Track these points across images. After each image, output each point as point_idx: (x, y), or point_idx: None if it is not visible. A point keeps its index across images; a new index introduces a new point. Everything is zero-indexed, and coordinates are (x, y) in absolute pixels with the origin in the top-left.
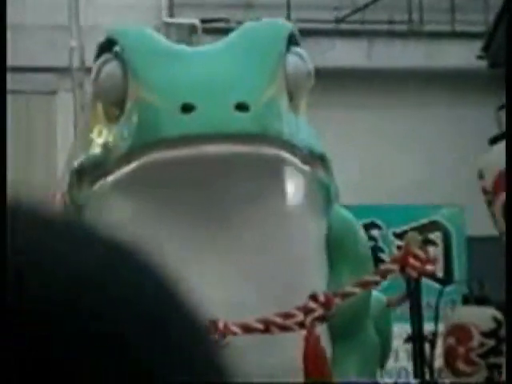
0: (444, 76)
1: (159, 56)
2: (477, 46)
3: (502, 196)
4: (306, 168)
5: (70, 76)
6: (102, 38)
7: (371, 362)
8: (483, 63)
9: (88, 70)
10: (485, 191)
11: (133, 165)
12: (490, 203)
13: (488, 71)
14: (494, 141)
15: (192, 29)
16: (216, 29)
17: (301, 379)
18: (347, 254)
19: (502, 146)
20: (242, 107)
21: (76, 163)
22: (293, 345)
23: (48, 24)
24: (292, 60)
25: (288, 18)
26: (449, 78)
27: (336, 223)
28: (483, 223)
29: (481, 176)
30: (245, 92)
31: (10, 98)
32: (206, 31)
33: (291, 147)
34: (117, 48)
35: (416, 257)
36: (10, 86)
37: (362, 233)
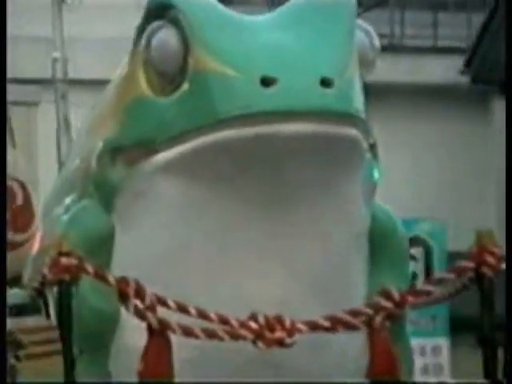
0: (426, 91)
1: (225, 23)
2: (459, 61)
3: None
4: (368, 154)
5: (53, 87)
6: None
7: (410, 370)
8: (465, 78)
9: (71, 82)
10: None
11: (200, 142)
12: None
13: (470, 86)
14: None
15: None
16: None
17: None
18: (389, 252)
19: None
20: (326, 83)
21: (108, 139)
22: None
23: (31, 35)
24: (359, 35)
25: None
26: (431, 92)
27: (378, 217)
28: (466, 238)
29: None
30: (328, 66)
31: None
32: None
33: (365, 130)
34: (173, 12)
35: (492, 254)
36: None
37: (402, 227)
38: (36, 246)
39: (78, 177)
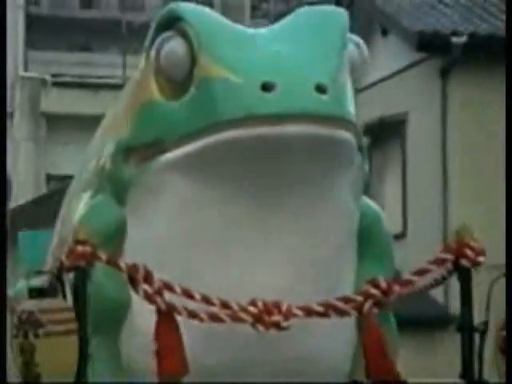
0: None
1: (229, 34)
2: None
3: None
4: (359, 155)
5: None
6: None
7: (395, 350)
8: None
9: None
10: None
11: (204, 142)
12: None
13: None
14: None
15: (43, 82)
16: (63, 82)
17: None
18: (376, 248)
19: None
20: (321, 88)
21: (122, 140)
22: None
23: None
24: (350, 47)
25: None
26: None
27: (367, 215)
28: None
29: None
30: (322, 74)
31: None
32: (55, 84)
33: (356, 133)
34: (181, 24)
35: (470, 247)
36: None
37: (387, 224)
38: (56, 236)
39: (94, 174)
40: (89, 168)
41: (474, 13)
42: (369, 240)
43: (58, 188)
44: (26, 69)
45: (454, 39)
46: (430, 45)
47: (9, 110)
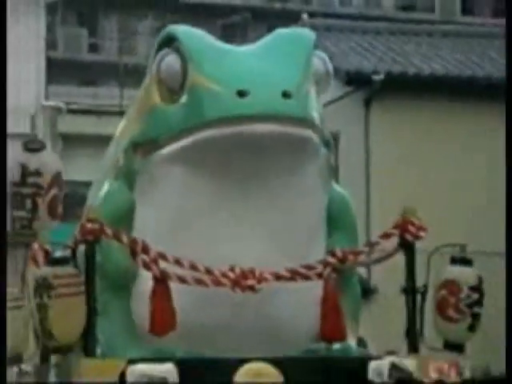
0: None
1: (213, 51)
2: None
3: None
4: (323, 150)
5: None
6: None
7: (357, 309)
8: None
9: None
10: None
11: (192, 139)
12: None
13: None
14: None
15: (59, 109)
16: (75, 110)
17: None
18: (343, 226)
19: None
20: (286, 95)
21: (131, 138)
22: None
23: None
24: (316, 62)
25: None
26: None
27: (335, 198)
28: None
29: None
30: (288, 83)
31: None
32: (69, 111)
33: (319, 131)
34: (176, 43)
35: (413, 224)
36: None
37: (354, 208)
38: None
39: (112, 166)
40: (109, 161)
41: (388, 56)
42: (337, 219)
43: (69, 191)
44: (46, 99)
45: (374, 77)
46: (356, 81)
47: (33, 131)
